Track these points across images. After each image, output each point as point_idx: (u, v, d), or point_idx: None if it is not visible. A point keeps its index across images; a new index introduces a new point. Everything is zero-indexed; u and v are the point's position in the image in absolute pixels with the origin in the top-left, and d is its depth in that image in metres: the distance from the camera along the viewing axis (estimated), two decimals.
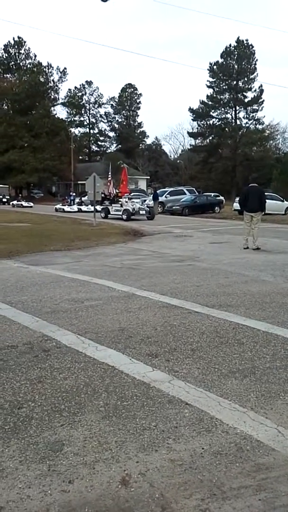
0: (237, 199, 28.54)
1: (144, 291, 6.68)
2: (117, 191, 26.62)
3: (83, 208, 33.55)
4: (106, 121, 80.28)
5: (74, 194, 42.79)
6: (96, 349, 4.26)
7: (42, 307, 5.80)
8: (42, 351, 4.24)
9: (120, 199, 35.87)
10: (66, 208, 33.73)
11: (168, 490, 2.33)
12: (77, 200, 38.45)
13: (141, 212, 24.11)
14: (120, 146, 76.99)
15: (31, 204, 42.06)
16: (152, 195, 33.65)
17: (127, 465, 2.53)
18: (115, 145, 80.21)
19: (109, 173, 27.61)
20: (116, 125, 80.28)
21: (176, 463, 2.55)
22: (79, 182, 54.24)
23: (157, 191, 35.80)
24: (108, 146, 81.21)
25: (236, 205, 27.69)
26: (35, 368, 3.83)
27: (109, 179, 27.16)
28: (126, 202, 24.67)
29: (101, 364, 3.91)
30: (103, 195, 32.85)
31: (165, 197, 33.64)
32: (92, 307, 5.80)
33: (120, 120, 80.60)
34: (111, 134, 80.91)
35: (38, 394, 3.36)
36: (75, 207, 34.03)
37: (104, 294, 6.52)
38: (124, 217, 23.41)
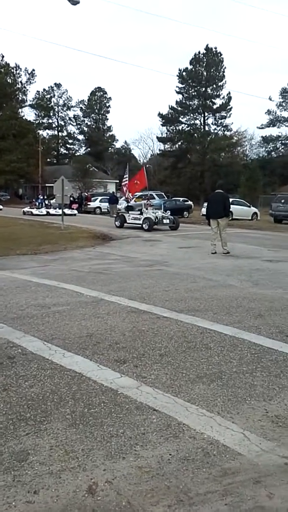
0: (205, 204, 28.95)
1: (112, 296, 6.65)
2: (138, 194, 22.49)
3: (52, 211, 33.09)
4: (75, 124, 79.82)
5: (41, 197, 42.28)
6: (63, 356, 4.21)
7: (7, 313, 5.68)
8: (7, 358, 4.15)
9: (88, 203, 35.43)
10: (35, 211, 33.24)
11: (135, 498, 2.31)
12: (45, 202, 38.00)
13: (164, 221, 20.27)
14: (89, 149, 76.63)
15: (1, 206, 40.95)
16: (109, 199, 33.69)
17: (94, 473, 2.50)
18: (84, 148, 79.79)
19: (125, 175, 22.75)
20: (85, 128, 79.89)
21: (143, 470, 2.54)
22: (47, 184, 53.66)
23: (115, 194, 35.86)
24: (77, 149, 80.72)
25: (205, 210, 28.06)
26: (0, 376, 3.74)
27: (124, 182, 22.46)
28: (146, 209, 20.60)
29: (68, 371, 3.86)
30: (71, 198, 32.61)
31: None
32: (60, 312, 5.73)
33: (89, 123, 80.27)
34: (80, 137, 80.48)
35: (3, 402, 3.29)
36: (43, 210, 33.58)
37: (72, 299, 6.46)
38: (146, 226, 19.60)
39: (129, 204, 22.42)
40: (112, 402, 3.32)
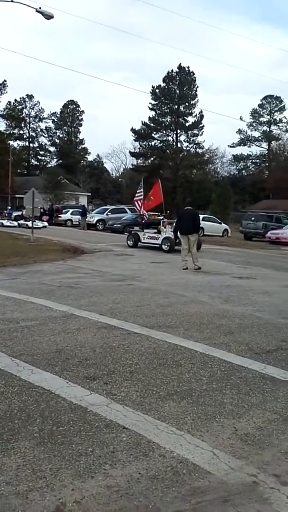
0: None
1: (83, 311, 6.60)
2: (150, 214, 19.92)
3: (28, 223, 31.45)
4: (46, 135, 79.55)
5: (10, 207, 41.69)
6: (31, 372, 4.14)
7: None
8: None
9: (59, 215, 34.86)
10: (6, 222, 32.59)
11: None
12: (14, 214, 37.38)
13: None
14: (60, 161, 76.37)
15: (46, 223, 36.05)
16: (81, 211, 33.81)
17: (62, 493, 2.46)
18: (55, 160, 79.47)
19: (139, 190, 19.85)
20: (57, 140, 79.69)
21: (112, 490, 2.51)
22: (17, 195, 53.03)
23: (84, 207, 36.08)
24: (49, 160, 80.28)
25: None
26: None
27: (138, 196, 19.64)
28: (165, 227, 17.96)
29: (36, 388, 3.79)
30: (42, 210, 32.23)
31: (106, 214, 33.75)
32: (28, 327, 5.64)
33: (61, 135, 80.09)
34: (52, 149, 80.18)
35: None
36: (15, 222, 32.85)
37: (41, 314, 6.37)
38: (166, 247, 17.22)
39: (144, 221, 19.87)
40: (81, 420, 3.28)
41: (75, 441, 2.99)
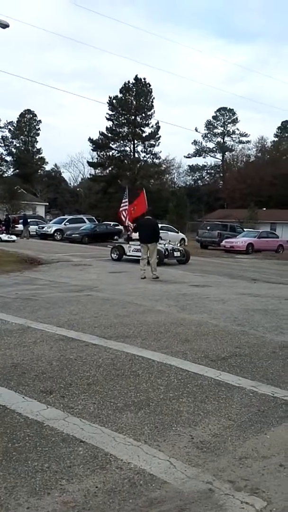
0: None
1: (40, 324, 6.50)
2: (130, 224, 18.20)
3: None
4: (3, 145, 78.15)
5: None
6: None
7: None
8: None
9: (16, 225, 34.20)
10: None
11: None
12: None
13: (175, 253, 16.95)
14: (17, 171, 75.14)
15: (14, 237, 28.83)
16: (22, 220, 33.41)
17: None
18: (12, 169, 78.11)
19: (124, 200, 18.47)
20: (14, 150, 78.50)
21: (68, 505, 2.48)
22: None
23: (26, 215, 35.77)
24: (5, 170, 78.69)
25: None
26: None
27: (123, 207, 18.17)
28: None
29: None
30: None
31: (64, 224, 33.47)
32: None
33: (18, 145, 79.04)
34: (8, 158, 78.78)
35: None
36: None
37: None
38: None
39: (129, 233, 18.34)
40: (37, 435, 3.23)
41: (31, 457, 2.94)
